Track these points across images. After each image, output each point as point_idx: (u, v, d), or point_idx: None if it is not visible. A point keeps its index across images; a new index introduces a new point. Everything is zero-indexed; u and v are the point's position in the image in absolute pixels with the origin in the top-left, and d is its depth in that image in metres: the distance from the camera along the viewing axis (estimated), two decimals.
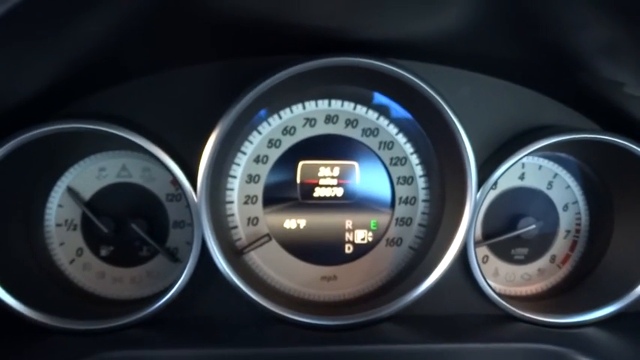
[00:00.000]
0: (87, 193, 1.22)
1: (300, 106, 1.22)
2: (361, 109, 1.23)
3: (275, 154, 1.23)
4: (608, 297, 1.20)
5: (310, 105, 1.22)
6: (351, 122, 1.24)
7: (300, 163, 1.24)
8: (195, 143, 1.09)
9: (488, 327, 1.20)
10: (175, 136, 1.16)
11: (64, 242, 1.23)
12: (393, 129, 1.24)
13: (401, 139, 1.25)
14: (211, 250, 1.09)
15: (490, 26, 1.00)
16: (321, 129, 1.24)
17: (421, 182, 1.26)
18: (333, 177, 1.25)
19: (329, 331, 1.13)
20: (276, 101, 1.19)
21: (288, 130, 1.23)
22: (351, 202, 1.26)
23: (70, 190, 1.21)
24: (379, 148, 1.25)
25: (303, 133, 1.23)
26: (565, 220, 1.32)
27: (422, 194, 1.27)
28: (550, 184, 1.31)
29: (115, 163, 1.23)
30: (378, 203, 1.27)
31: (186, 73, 1.16)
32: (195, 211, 1.09)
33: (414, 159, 1.26)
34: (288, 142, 1.23)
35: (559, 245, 1.33)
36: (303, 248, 1.26)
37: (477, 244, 1.22)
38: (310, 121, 1.23)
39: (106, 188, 1.23)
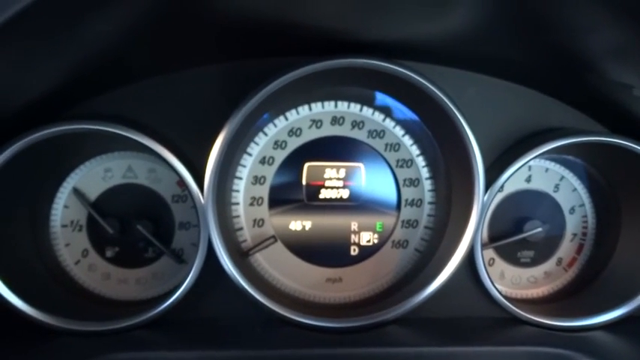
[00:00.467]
0: (93, 194, 1.22)
1: (306, 107, 1.22)
2: (367, 111, 1.23)
3: (281, 156, 1.23)
4: (615, 300, 1.19)
5: (316, 106, 1.22)
6: (357, 124, 1.24)
7: (306, 165, 1.24)
8: (201, 144, 1.09)
9: (494, 330, 1.19)
10: (182, 137, 1.16)
11: (70, 243, 1.23)
12: (399, 131, 1.24)
13: (407, 141, 1.24)
14: (217, 251, 1.09)
15: (498, 28, 1.00)
16: (327, 130, 1.23)
17: (427, 184, 1.26)
18: (338, 179, 1.25)
19: (334, 333, 1.13)
20: (282, 103, 1.19)
21: (294, 132, 1.23)
22: (356, 204, 1.26)
23: (76, 191, 1.21)
24: (385, 149, 1.25)
25: (309, 134, 1.23)
26: (571, 223, 1.32)
27: (428, 196, 1.26)
28: (557, 187, 1.31)
29: (120, 164, 1.23)
30: (383, 205, 1.26)
31: (193, 75, 1.16)
32: (202, 212, 1.09)
33: (420, 161, 1.25)
34: (294, 143, 1.23)
35: (565, 248, 1.33)
36: (309, 250, 1.25)
37: (483, 246, 1.21)
38: (316, 123, 1.23)
39: (111, 189, 1.23)
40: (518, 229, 1.28)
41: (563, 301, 1.30)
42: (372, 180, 1.25)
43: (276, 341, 1.12)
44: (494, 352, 1.09)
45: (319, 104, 1.22)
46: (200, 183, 1.09)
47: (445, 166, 1.23)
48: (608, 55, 0.99)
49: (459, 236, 1.15)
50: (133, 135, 1.08)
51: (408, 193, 1.26)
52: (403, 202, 1.26)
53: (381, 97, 1.23)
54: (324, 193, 1.25)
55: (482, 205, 1.14)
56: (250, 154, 1.22)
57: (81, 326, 1.09)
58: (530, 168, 1.29)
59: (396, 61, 1.07)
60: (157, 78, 1.16)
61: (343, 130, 1.24)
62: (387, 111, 1.23)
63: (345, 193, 1.25)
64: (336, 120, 1.23)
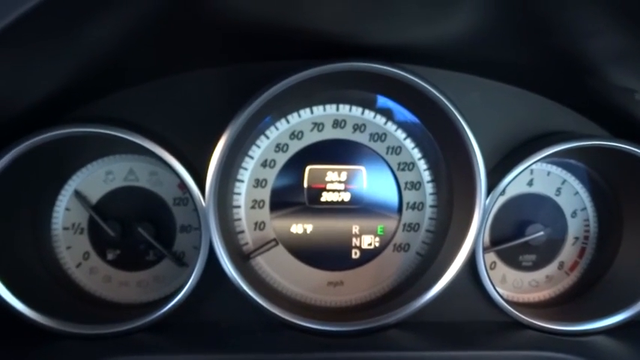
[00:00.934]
0: (94, 197, 1.22)
1: (308, 110, 1.22)
2: (369, 114, 1.23)
3: (282, 159, 1.23)
4: (617, 304, 1.19)
5: (318, 109, 1.22)
6: (359, 127, 1.24)
7: (308, 168, 1.24)
8: (203, 147, 1.09)
9: (496, 334, 1.19)
10: (183, 140, 1.16)
11: (71, 246, 1.23)
12: (400, 134, 1.24)
13: (409, 144, 1.24)
14: (218, 254, 1.09)
15: (499, 32, 1.00)
16: (329, 134, 1.23)
17: (429, 188, 1.26)
18: (340, 182, 1.25)
19: (335, 337, 1.13)
20: (284, 106, 1.19)
21: (295, 135, 1.23)
22: (358, 207, 1.25)
23: (78, 194, 1.21)
24: (387, 153, 1.25)
25: (311, 137, 1.23)
26: (573, 227, 1.32)
27: (429, 200, 1.26)
28: (558, 191, 1.30)
29: (122, 166, 1.23)
30: (385, 208, 1.26)
31: (195, 78, 1.16)
32: (203, 215, 1.09)
33: (422, 164, 1.25)
34: (295, 146, 1.23)
35: (567, 252, 1.32)
36: (310, 253, 1.25)
37: (484, 250, 1.21)
38: (318, 126, 1.23)
39: (113, 192, 1.22)
40: (519, 232, 1.27)
41: (565, 305, 1.30)
42: (374, 183, 1.25)
43: (278, 345, 1.12)
44: (495, 356, 1.09)
45: (321, 107, 1.22)
46: (201, 186, 1.09)
47: (447, 169, 1.23)
48: (610, 59, 0.99)
49: (461, 240, 1.15)
50: (135, 138, 1.08)
51: (410, 196, 1.26)
52: (404, 206, 1.26)
53: (383, 101, 1.22)
54: (325, 196, 1.25)
55: (484, 208, 1.13)
56: (252, 157, 1.22)
57: (82, 329, 1.09)
58: (532, 172, 1.29)
59: (398, 65, 1.07)
60: (158, 81, 1.16)
61: (345, 133, 1.24)
62: (388, 114, 1.23)
63: (346, 196, 1.25)
64: (337, 123, 1.23)
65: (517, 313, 1.18)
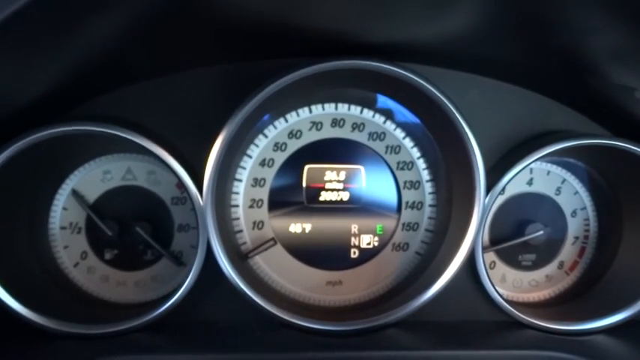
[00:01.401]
0: (92, 196, 1.22)
1: (306, 109, 1.21)
2: (368, 113, 1.23)
3: (281, 158, 1.22)
4: (618, 304, 1.19)
5: (317, 108, 1.21)
6: (358, 126, 1.23)
7: (306, 167, 1.23)
8: (201, 146, 1.08)
9: (495, 333, 1.18)
10: (181, 139, 1.16)
11: (69, 245, 1.22)
12: (399, 133, 1.24)
13: (408, 143, 1.24)
14: (216, 254, 1.08)
15: (499, 30, 0.99)
16: (328, 133, 1.23)
17: (428, 187, 1.25)
18: (339, 181, 1.24)
19: (334, 336, 1.12)
20: (282, 104, 1.19)
21: (294, 134, 1.22)
22: (357, 207, 1.25)
23: (75, 193, 1.21)
24: (386, 152, 1.24)
25: (310, 136, 1.22)
26: (573, 226, 1.31)
27: (428, 199, 1.26)
28: (558, 190, 1.30)
29: (120, 166, 1.22)
30: (384, 208, 1.26)
31: (193, 76, 1.16)
32: (201, 214, 1.08)
33: (421, 163, 1.25)
34: (294, 145, 1.22)
35: (567, 251, 1.32)
36: (309, 253, 1.25)
37: (484, 249, 1.20)
38: (316, 125, 1.22)
39: (110, 191, 1.22)
40: (519, 232, 1.27)
41: (565, 304, 1.29)
42: (373, 182, 1.25)
43: (276, 344, 1.11)
44: (495, 355, 1.08)
45: (319, 106, 1.21)
46: (199, 185, 1.08)
47: (446, 168, 1.22)
48: (610, 58, 0.99)
49: (460, 239, 1.14)
50: (133, 137, 1.07)
51: (409, 195, 1.25)
52: (404, 205, 1.26)
53: (382, 100, 1.22)
54: (324, 196, 1.24)
55: (483, 207, 1.13)
56: (250, 156, 1.22)
57: (79, 329, 1.08)
58: (531, 171, 1.28)
59: (398, 64, 1.07)
60: (156, 79, 1.16)
61: (343, 133, 1.23)
62: (387, 113, 1.23)
63: (345, 196, 1.25)
64: (336, 122, 1.23)
65: (517, 312, 1.18)
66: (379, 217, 1.26)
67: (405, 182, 1.25)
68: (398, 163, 1.25)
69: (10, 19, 0.69)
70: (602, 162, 1.26)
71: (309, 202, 1.24)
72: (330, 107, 1.22)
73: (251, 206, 1.23)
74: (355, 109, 1.22)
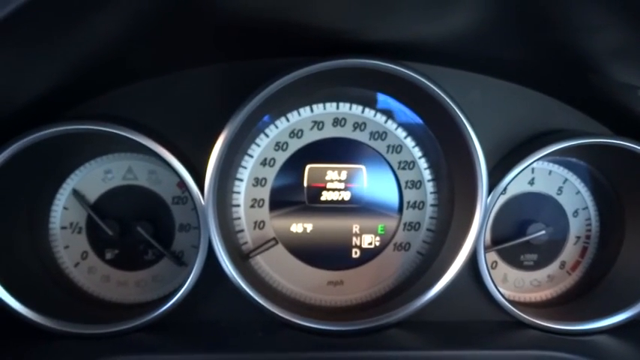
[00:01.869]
0: (92, 196, 1.22)
1: (307, 108, 1.21)
2: (369, 113, 1.22)
3: (282, 157, 1.22)
4: (620, 304, 1.18)
5: (318, 108, 1.21)
6: (359, 125, 1.23)
7: (308, 167, 1.23)
8: (202, 145, 1.08)
9: (497, 333, 1.18)
10: (182, 139, 1.15)
11: (69, 245, 1.22)
12: (401, 132, 1.23)
13: (409, 142, 1.24)
14: (218, 253, 1.08)
15: (501, 28, 0.99)
16: (329, 132, 1.22)
17: (429, 186, 1.25)
18: (340, 180, 1.24)
19: (335, 336, 1.12)
20: (284, 104, 1.18)
21: (295, 133, 1.22)
22: (358, 206, 1.25)
23: (76, 193, 1.21)
24: (387, 151, 1.24)
25: (311, 136, 1.22)
26: (575, 226, 1.31)
27: (430, 199, 1.25)
28: (560, 190, 1.30)
29: (120, 165, 1.22)
30: (385, 207, 1.26)
31: (194, 75, 1.16)
32: (202, 214, 1.08)
33: (423, 163, 1.24)
34: (295, 145, 1.22)
35: (569, 251, 1.32)
36: (310, 252, 1.25)
37: (485, 249, 1.20)
38: (318, 124, 1.22)
39: (111, 191, 1.22)
40: (521, 231, 1.27)
41: (567, 304, 1.29)
42: (374, 182, 1.25)
43: (277, 344, 1.11)
44: (497, 355, 1.08)
45: (321, 105, 1.21)
46: (200, 184, 1.08)
47: (448, 168, 1.22)
48: (612, 56, 0.99)
49: (462, 239, 1.14)
50: (134, 136, 1.07)
51: (410, 195, 1.25)
52: (405, 205, 1.25)
53: (384, 99, 1.22)
54: (325, 195, 1.24)
55: (485, 207, 1.13)
56: (251, 156, 1.21)
57: (80, 329, 1.08)
58: (533, 170, 1.28)
59: (399, 62, 1.07)
60: (157, 78, 1.16)
61: (345, 132, 1.23)
62: (389, 113, 1.22)
63: (346, 196, 1.24)
64: (337, 121, 1.22)
65: (518, 312, 1.17)
66: (380, 217, 1.25)
67: (407, 182, 1.25)
68: (399, 162, 1.24)
69: (10, 18, 0.69)
70: (604, 161, 1.25)
71: (310, 202, 1.24)
72: (331, 106, 1.22)
73: (252, 206, 1.23)
74: (357, 109, 1.22)
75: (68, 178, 1.21)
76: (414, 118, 1.22)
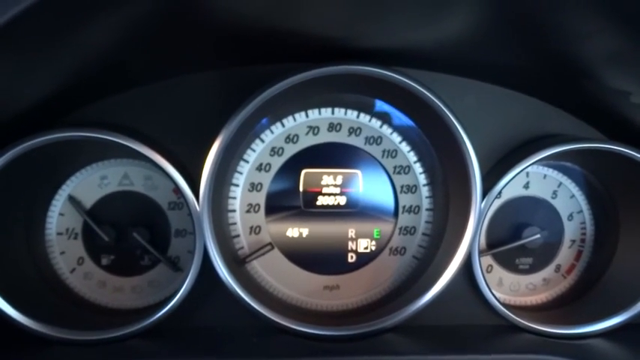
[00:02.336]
0: (88, 202, 1.22)
1: (303, 114, 1.21)
2: (364, 118, 1.23)
3: (278, 163, 1.22)
4: (615, 307, 1.19)
5: (313, 113, 1.21)
6: (355, 130, 1.23)
7: (303, 172, 1.23)
8: (197, 151, 1.08)
9: (492, 337, 1.18)
10: (178, 144, 1.16)
11: (65, 251, 1.22)
12: (396, 137, 1.24)
13: (404, 147, 1.24)
14: (213, 259, 1.08)
15: (495, 35, 0.99)
16: (324, 137, 1.23)
17: (425, 191, 1.25)
18: (336, 185, 1.24)
19: (332, 341, 1.12)
20: (279, 109, 1.19)
21: (291, 138, 1.22)
22: (354, 211, 1.25)
23: (72, 199, 1.21)
24: (382, 156, 1.24)
25: (306, 141, 1.22)
26: (570, 230, 1.31)
27: (425, 203, 1.26)
28: (555, 194, 1.30)
29: (116, 171, 1.22)
30: (381, 212, 1.26)
31: (189, 81, 1.16)
32: (197, 219, 1.08)
33: (418, 167, 1.25)
34: (291, 150, 1.22)
35: (564, 255, 1.32)
36: (306, 257, 1.25)
37: (481, 253, 1.20)
38: (313, 129, 1.22)
39: (107, 197, 1.22)
40: (516, 235, 1.27)
41: (562, 308, 1.29)
42: (370, 187, 1.25)
43: (273, 350, 1.11)
44: None
45: (316, 110, 1.21)
46: (196, 190, 1.08)
47: (442, 172, 1.23)
48: (605, 62, 0.99)
49: (457, 243, 1.14)
50: (129, 142, 1.07)
51: (406, 199, 1.26)
52: (401, 209, 1.26)
53: (379, 104, 1.22)
54: (321, 200, 1.24)
55: (480, 211, 1.13)
56: (247, 161, 1.22)
57: (76, 335, 1.08)
58: (528, 174, 1.28)
59: (394, 69, 1.07)
60: (153, 85, 1.16)
61: (340, 137, 1.23)
62: (384, 117, 1.23)
63: (342, 200, 1.25)
64: (333, 126, 1.23)
65: (514, 316, 1.18)
66: (376, 222, 1.26)
67: (402, 186, 1.25)
68: (395, 167, 1.25)
69: (8, 24, 0.69)
70: (598, 165, 1.26)
71: (306, 207, 1.24)
72: (326, 112, 1.22)
73: (248, 211, 1.23)
74: (352, 114, 1.22)
75: (64, 184, 1.21)
76: (409, 123, 1.22)
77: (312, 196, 1.24)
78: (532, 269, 1.31)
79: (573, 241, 1.32)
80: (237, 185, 1.22)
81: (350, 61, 1.06)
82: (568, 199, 1.31)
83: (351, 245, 1.26)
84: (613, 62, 0.98)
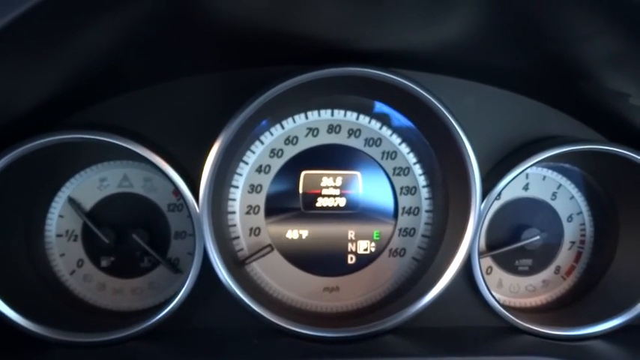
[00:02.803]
0: (88, 204, 1.22)
1: (302, 115, 1.21)
2: (364, 119, 1.23)
3: (277, 164, 1.22)
4: (614, 309, 1.19)
5: (313, 115, 1.22)
6: (354, 132, 1.23)
7: (303, 173, 1.23)
8: (197, 153, 1.08)
9: (492, 339, 1.18)
10: (177, 146, 1.16)
11: (65, 253, 1.22)
12: (396, 139, 1.24)
13: (404, 148, 1.24)
14: (213, 260, 1.08)
15: (494, 37, 1.00)
16: (324, 139, 1.23)
17: (424, 192, 1.25)
18: (335, 187, 1.24)
19: (331, 343, 1.12)
20: (278, 111, 1.19)
21: (290, 140, 1.22)
22: (353, 213, 1.25)
23: (71, 201, 1.21)
24: (382, 157, 1.24)
25: (306, 142, 1.23)
26: (569, 231, 1.31)
27: (425, 204, 1.26)
28: (554, 195, 1.30)
29: (116, 173, 1.22)
30: (380, 213, 1.26)
31: (189, 83, 1.16)
32: (197, 221, 1.08)
33: (417, 169, 1.25)
34: (290, 151, 1.22)
35: (563, 256, 1.32)
36: (306, 259, 1.25)
37: (480, 255, 1.20)
38: (313, 131, 1.22)
39: (107, 198, 1.22)
40: (515, 237, 1.27)
41: (562, 309, 1.29)
42: (369, 188, 1.25)
43: (273, 352, 1.11)
44: None
45: (315, 112, 1.21)
46: (196, 192, 1.08)
47: (442, 174, 1.23)
48: (604, 64, 0.99)
49: (457, 244, 1.14)
50: (129, 144, 1.07)
51: (405, 201, 1.26)
52: (400, 211, 1.26)
53: (378, 106, 1.22)
54: (320, 202, 1.24)
55: (479, 213, 1.13)
56: (247, 163, 1.22)
57: (75, 337, 1.08)
58: (527, 176, 1.29)
59: (393, 70, 1.07)
60: (152, 87, 1.16)
61: (340, 139, 1.23)
62: (383, 119, 1.23)
63: (342, 202, 1.25)
64: (332, 128, 1.23)
65: (513, 318, 1.18)
66: (376, 223, 1.26)
67: (402, 188, 1.25)
68: (394, 169, 1.25)
69: (7, 28, 0.69)
70: (598, 167, 1.26)
71: (305, 209, 1.24)
72: (326, 113, 1.22)
73: (248, 213, 1.23)
74: (351, 115, 1.22)
75: (64, 186, 1.21)
76: (408, 124, 1.23)
77: (311, 198, 1.24)
78: (532, 271, 1.31)
79: (573, 243, 1.32)
80: (236, 187, 1.22)
81: (349, 63, 1.06)
82: (567, 200, 1.31)
83: (350, 247, 1.26)
84: (612, 64, 0.98)
